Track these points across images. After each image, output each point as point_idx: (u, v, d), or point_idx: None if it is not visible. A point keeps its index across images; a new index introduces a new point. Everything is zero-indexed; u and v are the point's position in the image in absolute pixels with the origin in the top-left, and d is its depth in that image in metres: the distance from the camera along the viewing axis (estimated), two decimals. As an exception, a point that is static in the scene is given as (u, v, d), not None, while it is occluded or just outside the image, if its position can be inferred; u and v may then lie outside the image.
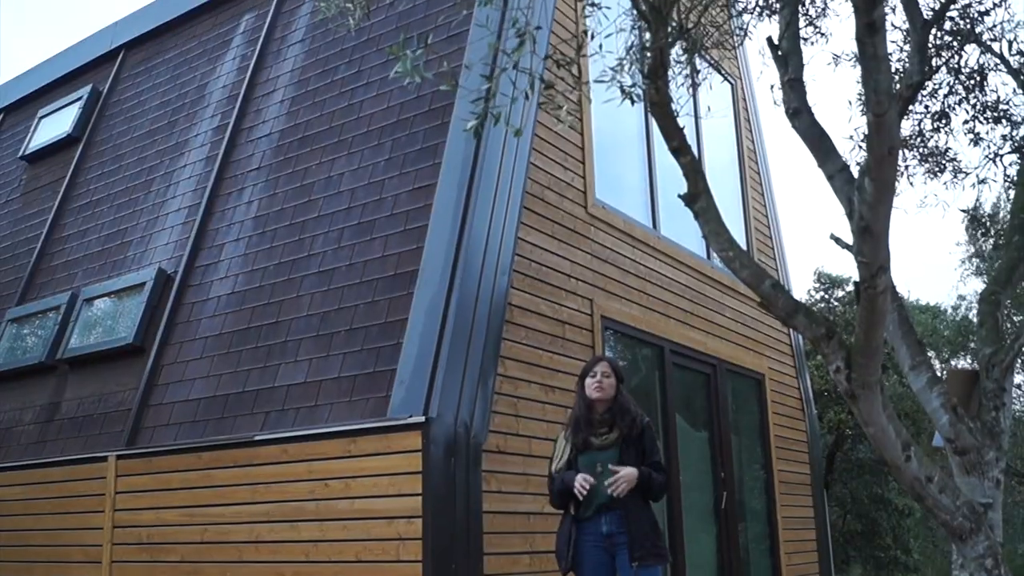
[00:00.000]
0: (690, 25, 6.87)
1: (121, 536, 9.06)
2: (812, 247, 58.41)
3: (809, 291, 23.76)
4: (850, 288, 22.93)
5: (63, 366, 10.84)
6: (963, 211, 13.81)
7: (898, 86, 7.77)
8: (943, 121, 9.77)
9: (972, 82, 9.55)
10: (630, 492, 6.17)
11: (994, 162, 9.87)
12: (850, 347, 5.94)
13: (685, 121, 6.43)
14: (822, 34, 9.12)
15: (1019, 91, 9.49)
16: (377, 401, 7.75)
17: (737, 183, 13.24)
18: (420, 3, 9.82)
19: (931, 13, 8.14)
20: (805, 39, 8.70)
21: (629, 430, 6.34)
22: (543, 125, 9.15)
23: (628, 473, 6.14)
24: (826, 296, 23.51)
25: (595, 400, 6.45)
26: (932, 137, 9.87)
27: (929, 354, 7.79)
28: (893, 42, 9.34)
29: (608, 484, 6.13)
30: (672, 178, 10.30)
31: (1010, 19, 9.27)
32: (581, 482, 6.14)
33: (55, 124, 13.93)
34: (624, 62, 5.71)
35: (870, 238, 5.31)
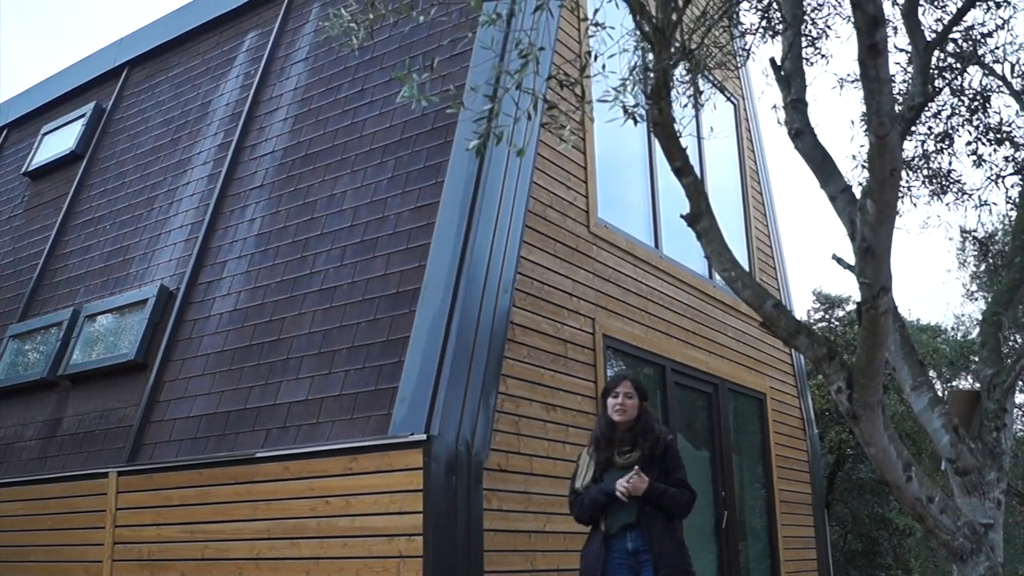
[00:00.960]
0: (693, 46, 6.90)
1: (122, 552, 9.05)
2: (811, 267, 58.35)
3: (809, 311, 23.73)
4: (850, 308, 22.92)
5: (65, 382, 10.85)
6: (964, 232, 13.83)
7: (900, 107, 7.81)
8: (946, 142, 9.81)
9: (975, 104, 9.59)
10: (653, 511, 6.14)
11: (996, 184, 9.90)
12: (851, 367, 5.95)
13: (688, 141, 6.47)
14: (823, 56, 9.17)
15: (1021, 113, 9.53)
16: (378, 419, 7.76)
17: (739, 203, 13.25)
18: (424, 23, 9.83)
19: (934, 35, 8.19)
20: (807, 60, 8.74)
21: (652, 450, 6.26)
22: (546, 144, 9.17)
23: (639, 484, 6.06)
24: (826, 316, 23.48)
25: (617, 422, 6.40)
26: (935, 158, 9.90)
27: (931, 374, 7.80)
28: (896, 63, 9.40)
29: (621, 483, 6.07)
30: (674, 198, 10.32)
31: (1012, 41, 9.33)
32: (624, 484, 6.06)
33: (58, 141, 13.96)
34: (627, 83, 5.74)
35: (872, 259, 5.33)
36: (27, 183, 14.19)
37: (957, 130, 9.78)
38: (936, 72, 9.07)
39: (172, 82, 12.92)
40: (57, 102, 14.92)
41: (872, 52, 4.61)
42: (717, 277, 11.92)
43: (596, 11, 5.98)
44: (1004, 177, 9.90)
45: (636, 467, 6.13)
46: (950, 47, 9.13)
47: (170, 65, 13.21)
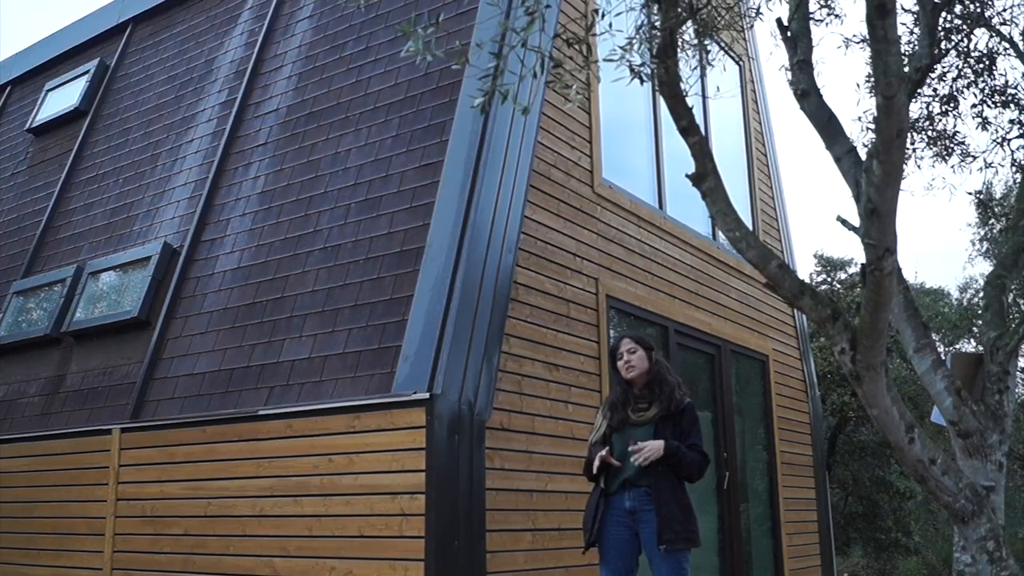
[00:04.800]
0: (700, 5, 6.86)
1: (125, 509, 9.09)
2: (812, 230, 58.32)
3: (811, 274, 23.73)
4: (852, 271, 22.94)
5: (68, 339, 10.86)
6: (971, 194, 13.81)
7: (907, 69, 7.77)
8: (951, 105, 9.76)
9: (981, 66, 9.54)
10: (662, 470, 6.04)
11: (1002, 146, 9.87)
12: (855, 329, 5.95)
13: (693, 101, 6.43)
14: (836, 16, 9.10)
15: (1028, 75, 9.49)
16: (381, 377, 7.77)
17: (744, 165, 13.22)
18: (429, -20, 9.80)
19: (941, -4, 8.13)
20: (815, 20, 8.69)
21: (668, 403, 6.19)
22: (551, 104, 9.14)
23: (654, 444, 5.99)
24: (828, 279, 23.49)
25: (632, 379, 6.38)
26: (940, 120, 9.86)
27: (933, 337, 7.83)
28: (903, 24, 9.33)
29: (631, 451, 6.03)
30: (678, 159, 10.31)
31: (1020, 3, 9.26)
32: (602, 456, 6.06)
33: (62, 97, 13.92)
34: (634, 41, 5.71)
35: (877, 220, 5.32)
36: (31, 139, 14.17)
37: (963, 92, 9.73)
38: (943, 33, 9.02)
39: (176, 39, 12.87)
40: (61, 58, 14.88)
41: (881, 12, 4.58)
42: (721, 238, 11.92)
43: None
44: (1010, 140, 9.86)
45: (638, 442, 6.13)
46: (957, 8, 9.07)
47: (174, 22, 13.16)
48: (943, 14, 8.55)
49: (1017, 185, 10.53)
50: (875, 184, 5.15)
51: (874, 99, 5.01)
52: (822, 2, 8.95)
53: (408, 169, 8.74)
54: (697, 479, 6.26)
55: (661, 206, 10.98)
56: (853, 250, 29.44)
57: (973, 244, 23.00)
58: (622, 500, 6.19)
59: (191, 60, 12.32)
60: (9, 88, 15.62)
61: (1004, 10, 9.17)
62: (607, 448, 6.12)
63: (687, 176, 6.35)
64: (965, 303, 24.27)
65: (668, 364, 6.57)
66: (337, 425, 7.78)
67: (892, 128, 4.85)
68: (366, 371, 7.92)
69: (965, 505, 6.63)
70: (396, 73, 9.48)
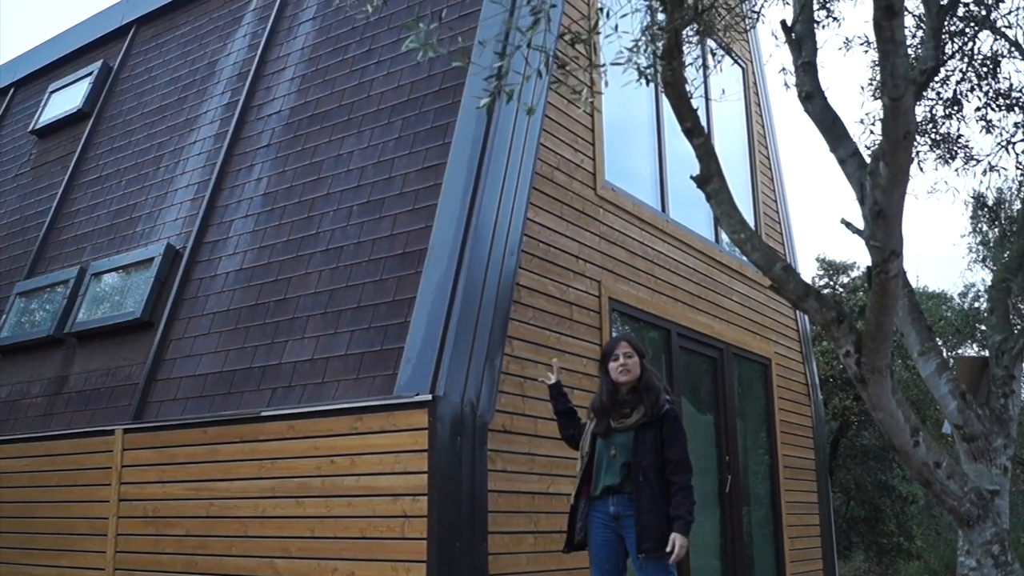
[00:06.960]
0: (705, 6, 6.85)
1: (127, 510, 9.08)
2: (814, 233, 58.26)
3: (813, 278, 23.67)
4: (854, 275, 22.90)
5: (71, 340, 10.86)
6: (974, 196, 13.78)
7: (912, 71, 7.76)
8: (955, 108, 9.75)
9: (985, 69, 9.53)
10: (643, 478, 6.04)
11: (1006, 150, 9.84)
12: (860, 331, 5.94)
13: (696, 103, 6.42)
14: (835, 19, 9.10)
15: (1032, 78, 9.47)
16: (384, 379, 7.75)
17: (746, 168, 13.21)
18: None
19: (946, -2, 8.12)
20: (818, 23, 8.69)
21: (652, 409, 6.15)
22: (553, 106, 9.13)
23: (679, 546, 5.95)
24: (830, 283, 23.44)
25: (622, 383, 6.33)
26: (944, 123, 9.84)
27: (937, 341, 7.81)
28: (906, 27, 9.31)
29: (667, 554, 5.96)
30: (681, 162, 10.29)
31: (1024, 6, 9.25)
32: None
33: (65, 99, 13.92)
34: (639, 43, 5.70)
35: (883, 222, 5.30)
36: (34, 141, 14.17)
37: (967, 95, 9.71)
38: (947, 36, 9.01)
39: (179, 41, 12.87)
40: (64, 60, 14.88)
41: (888, 13, 4.57)
42: (724, 241, 11.91)
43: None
44: (1014, 143, 9.84)
45: (615, 449, 6.21)
46: (962, 11, 9.06)
47: (177, 24, 13.15)
48: (948, 16, 8.53)
49: (1021, 188, 10.51)
50: (881, 186, 5.15)
51: (878, 101, 5.00)
52: (821, 2, 8.95)
53: (411, 171, 8.73)
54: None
55: (664, 209, 10.96)
56: (855, 254, 29.42)
57: (970, 250, 22.97)
58: (606, 505, 6.22)
59: (194, 62, 12.31)
60: (13, 90, 15.62)
61: (1009, 13, 9.16)
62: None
63: (692, 178, 6.34)
64: (966, 307, 24.20)
65: (656, 371, 6.54)
66: (339, 427, 7.76)
67: (899, 130, 4.84)
68: (368, 373, 7.91)
69: (970, 509, 6.62)
70: (399, 75, 9.47)
